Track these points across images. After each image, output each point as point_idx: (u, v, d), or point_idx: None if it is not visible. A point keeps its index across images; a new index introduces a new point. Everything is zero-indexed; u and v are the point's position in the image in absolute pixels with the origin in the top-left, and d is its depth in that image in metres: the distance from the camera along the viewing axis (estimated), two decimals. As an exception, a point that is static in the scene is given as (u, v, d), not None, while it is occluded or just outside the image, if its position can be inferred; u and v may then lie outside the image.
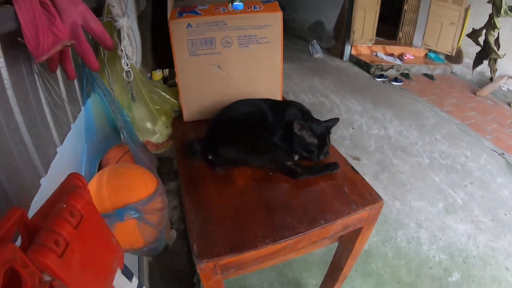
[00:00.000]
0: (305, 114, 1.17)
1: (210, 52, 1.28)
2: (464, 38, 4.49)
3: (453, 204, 2.35)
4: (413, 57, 5.11)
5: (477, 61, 3.88)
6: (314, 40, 5.47)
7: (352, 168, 1.10)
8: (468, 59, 4.57)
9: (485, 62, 3.80)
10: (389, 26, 5.59)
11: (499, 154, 3.00)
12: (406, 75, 4.70)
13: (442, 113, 3.74)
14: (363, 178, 1.05)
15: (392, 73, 4.79)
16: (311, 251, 1.14)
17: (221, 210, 0.92)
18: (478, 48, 3.82)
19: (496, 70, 3.82)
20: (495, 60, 3.70)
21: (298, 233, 0.84)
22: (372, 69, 4.73)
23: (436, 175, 2.66)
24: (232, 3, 1.25)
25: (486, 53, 3.69)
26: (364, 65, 4.89)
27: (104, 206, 0.86)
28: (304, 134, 1.06)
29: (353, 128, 3.31)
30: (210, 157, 1.07)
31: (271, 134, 1.12)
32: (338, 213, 0.91)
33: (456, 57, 4.85)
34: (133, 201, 0.88)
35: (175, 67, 1.30)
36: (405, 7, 5.09)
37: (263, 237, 0.82)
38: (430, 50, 5.19)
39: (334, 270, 1.29)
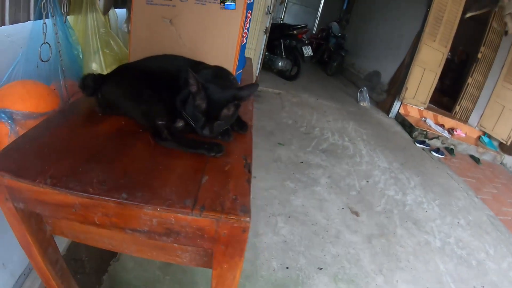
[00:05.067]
0: (221, 79, 0.96)
1: (165, 3, 1.17)
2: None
3: (451, 305, 1.87)
4: (464, 135, 4.58)
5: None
6: (364, 88, 5.21)
7: (245, 166, 0.80)
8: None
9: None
10: (447, 95, 5.18)
11: (531, 265, 2.43)
12: (451, 150, 4.22)
13: (476, 198, 3.21)
14: (247, 183, 0.74)
15: (435, 143, 4.33)
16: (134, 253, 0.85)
17: (63, 141, 0.81)
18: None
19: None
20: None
21: (88, 192, 0.63)
22: (415, 133, 4.30)
23: (443, 263, 2.18)
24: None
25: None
26: (408, 127, 4.47)
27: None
28: (195, 93, 0.84)
29: (367, 181, 2.96)
30: (98, 96, 0.97)
31: (174, 93, 0.94)
32: (161, 200, 0.63)
33: (510, 148, 4.27)
34: (13, 108, 0.96)
35: (131, 12, 1.22)
36: (469, 80, 4.63)
37: (57, 179, 0.65)
38: (484, 133, 4.63)
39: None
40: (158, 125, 0.85)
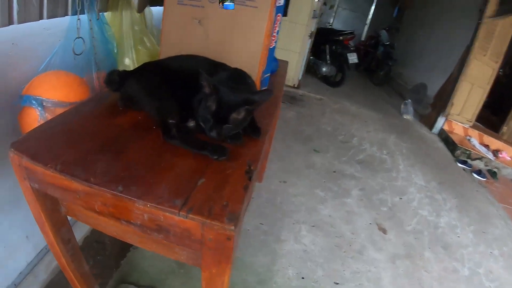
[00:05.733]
0: (237, 82, 0.95)
1: (195, 3, 1.21)
2: None
3: None
4: (509, 159, 4.22)
5: None
6: (409, 100, 4.97)
7: (248, 172, 0.79)
8: None
9: None
10: (495, 113, 4.81)
11: None
12: (493, 174, 3.92)
13: (515, 229, 2.95)
14: (243, 190, 0.73)
15: (478, 164, 4.03)
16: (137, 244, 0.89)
17: (80, 130, 0.86)
18: None
19: None
20: None
21: (89, 181, 0.66)
22: (458, 152, 4.04)
23: (470, 294, 2.03)
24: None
25: None
26: (451, 144, 4.21)
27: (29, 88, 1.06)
28: (207, 95, 0.84)
29: (400, 198, 2.82)
30: (121, 90, 1.02)
31: (191, 93, 0.95)
32: (153, 197, 0.64)
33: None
34: (45, 96, 1.03)
35: (163, 12, 1.27)
36: (520, 99, 4.28)
37: (66, 165, 0.70)
38: (532, 160, 4.24)
39: None
40: (169, 122, 0.87)
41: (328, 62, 5.07)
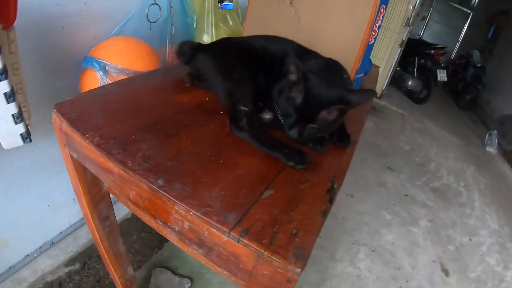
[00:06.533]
0: (331, 74, 0.78)
1: None
2: None
3: None
4: None
5: None
6: (495, 131, 4.43)
7: (329, 191, 0.60)
8: None
9: None
10: None
11: None
12: None
13: None
14: (321, 216, 0.55)
15: None
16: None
17: (133, 103, 0.75)
18: None
19: None
20: None
21: (126, 165, 0.54)
22: (544, 197, 3.50)
23: None
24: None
25: None
26: (539, 186, 3.66)
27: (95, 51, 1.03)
28: (293, 83, 0.69)
29: (470, 239, 2.49)
30: (190, 64, 0.92)
31: (273, 80, 0.81)
32: (199, 203, 0.49)
33: None
34: (108, 60, 0.99)
35: None
36: None
37: (105, 139, 0.59)
38: None
39: None
40: (240, 110, 0.72)
41: (415, 76, 4.67)
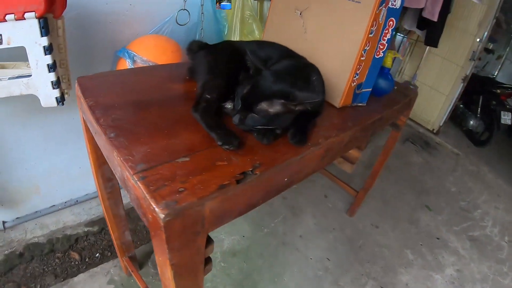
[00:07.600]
0: (293, 75, 0.84)
1: None
2: None
3: None
4: None
5: None
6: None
7: (245, 173, 0.67)
8: None
9: None
10: None
11: None
12: None
13: None
14: (216, 189, 0.60)
15: None
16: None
17: (138, 82, 0.96)
18: None
19: None
20: None
21: (98, 121, 0.73)
22: None
23: None
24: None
25: None
26: None
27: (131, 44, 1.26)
28: (247, 77, 0.81)
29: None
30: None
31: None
32: (126, 152, 0.63)
33: None
34: (137, 52, 1.20)
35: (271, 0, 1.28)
36: None
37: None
38: None
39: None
40: (203, 97, 0.83)
41: (478, 115, 4.32)
